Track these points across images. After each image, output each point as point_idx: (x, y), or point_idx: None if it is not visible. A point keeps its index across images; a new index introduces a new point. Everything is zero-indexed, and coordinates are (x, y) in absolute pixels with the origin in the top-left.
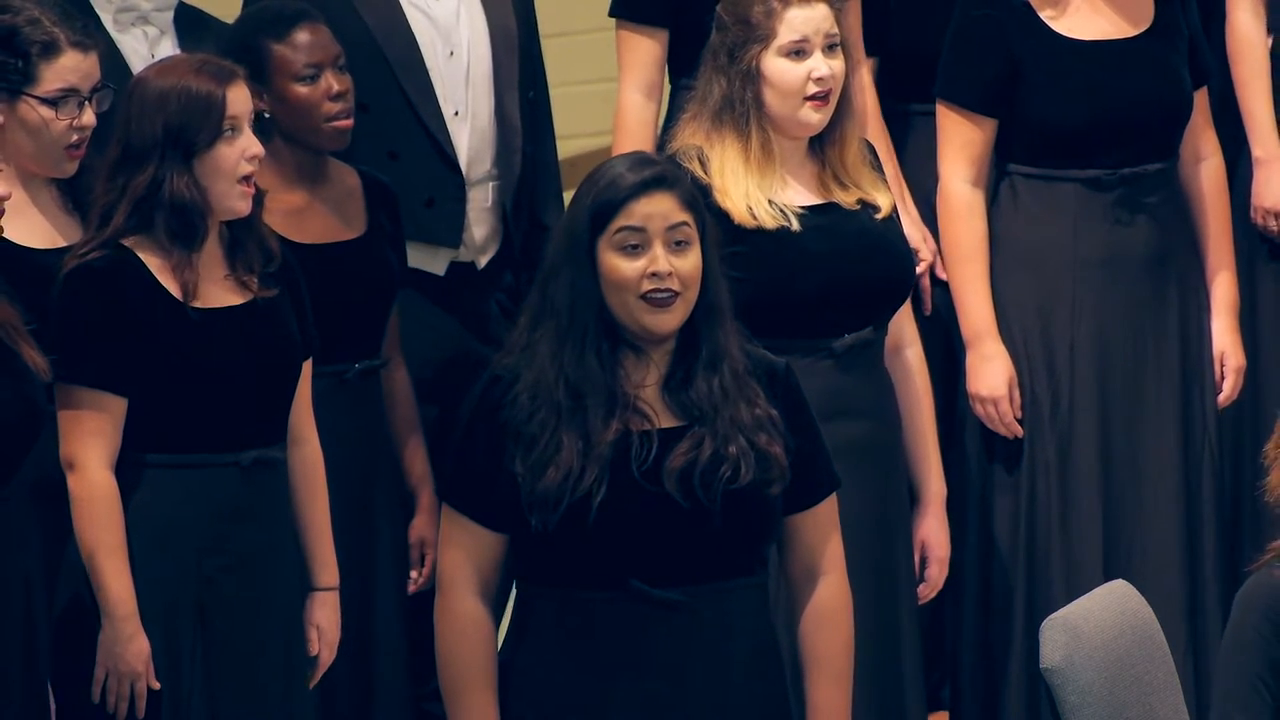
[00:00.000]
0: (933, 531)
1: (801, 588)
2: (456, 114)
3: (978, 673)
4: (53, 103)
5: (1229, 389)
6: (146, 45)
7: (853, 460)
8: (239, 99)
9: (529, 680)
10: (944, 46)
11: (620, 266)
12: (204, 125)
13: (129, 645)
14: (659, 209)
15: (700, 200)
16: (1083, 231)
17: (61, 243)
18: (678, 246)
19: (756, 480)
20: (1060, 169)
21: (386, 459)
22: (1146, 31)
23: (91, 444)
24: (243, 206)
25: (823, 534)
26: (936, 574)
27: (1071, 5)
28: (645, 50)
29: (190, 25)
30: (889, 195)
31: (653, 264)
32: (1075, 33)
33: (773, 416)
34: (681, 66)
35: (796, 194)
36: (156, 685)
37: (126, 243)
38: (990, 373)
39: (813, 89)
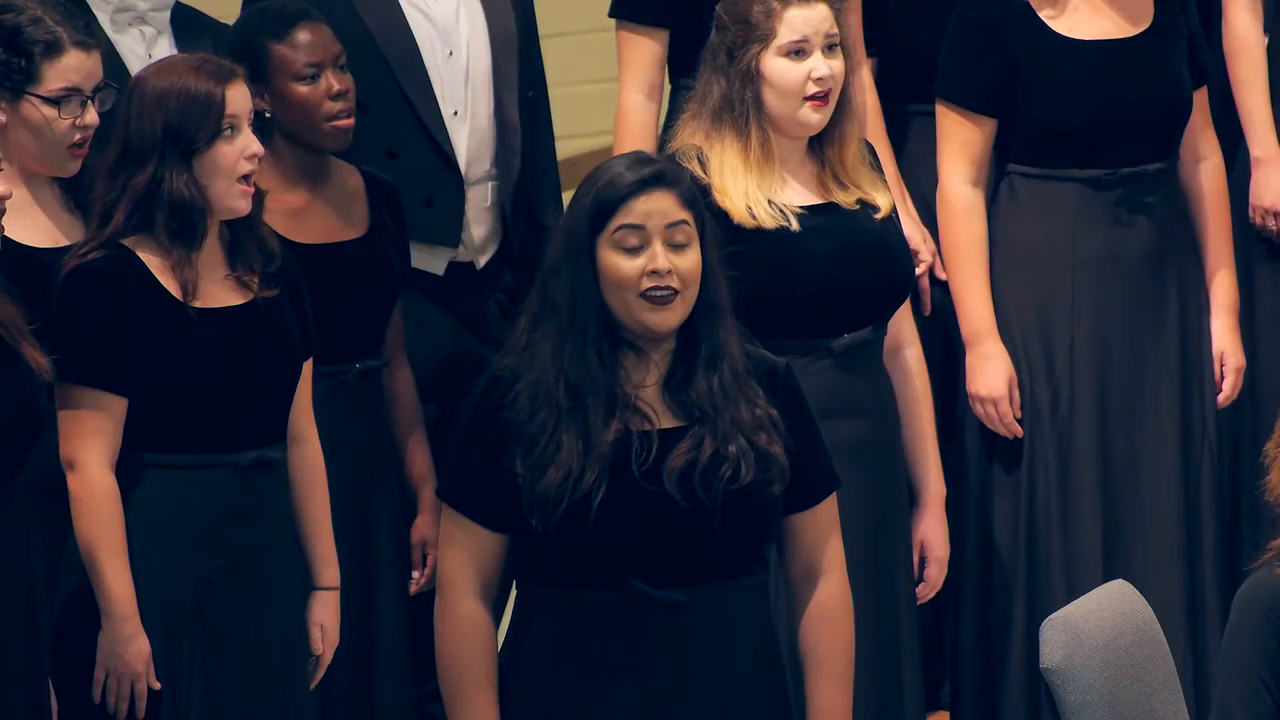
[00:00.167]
0: (932, 531)
1: (801, 588)
2: (455, 114)
3: (978, 673)
4: (55, 102)
5: (1229, 389)
6: (144, 45)
7: (852, 460)
8: (238, 98)
9: (529, 680)
10: (943, 46)
11: (620, 265)
12: (203, 124)
13: (129, 645)
14: (658, 207)
15: (700, 199)
16: (1082, 231)
17: (64, 242)
18: (677, 245)
19: (757, 480)
20: (1060, 169)
21: (387, 459)
22: (1146, 31)
23: (91, 444)
24: (242, 206)
25: (823, 534)
26: (935, 574)
27: (1071, 5)
28: (646, 50)
29: (187, 25)
30: (888, 195)
31: (652, 262)
32: (1075, 32)
33: (773, 416)
34: (681, 66)
35: (796, 194)
36: (157, 685)
37: (126, 242)
38: (990, 373)
39: (812, 89)
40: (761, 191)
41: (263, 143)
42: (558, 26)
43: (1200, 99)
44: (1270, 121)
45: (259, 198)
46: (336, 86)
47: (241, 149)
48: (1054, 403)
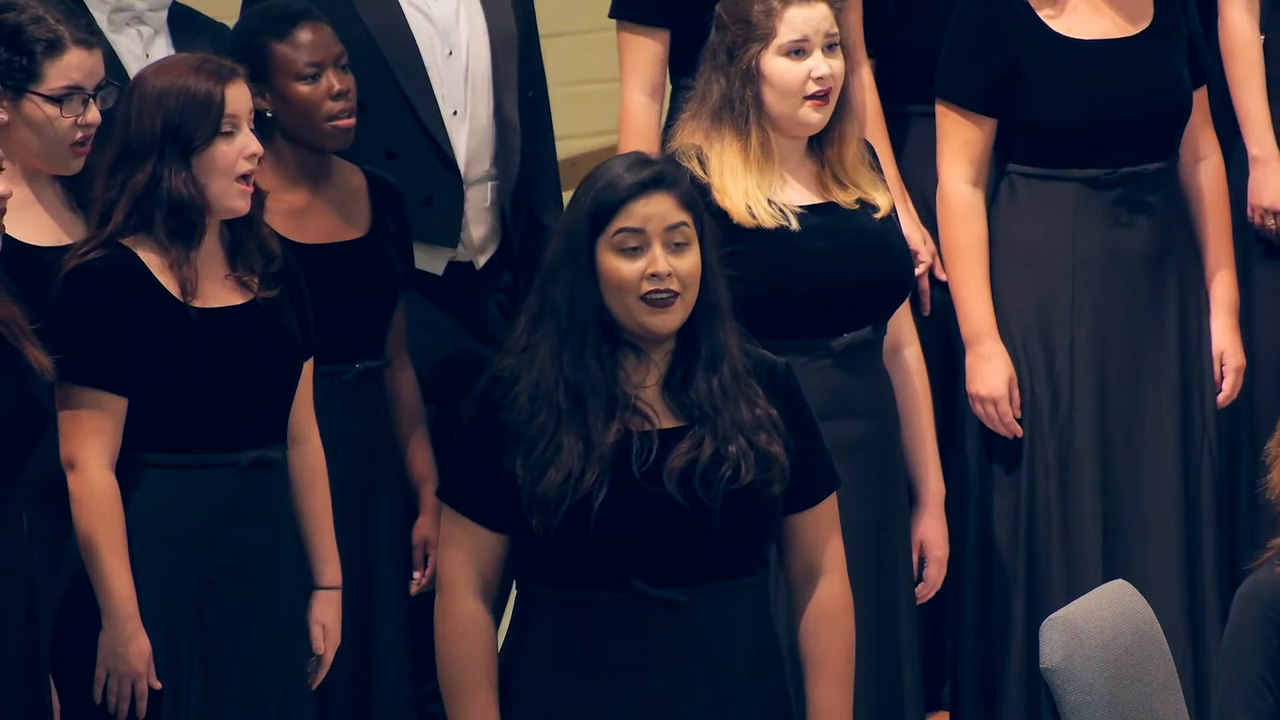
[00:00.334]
0: (931, 531)
1: (801, 588)
2: (455, 114)
3: (978, 673)
4: (57, 100)
5: (1229, 388)
6: (141, 45)
7: (851, 460)
8: (238, 97)
9: (529, 681)
10: (943, 46)
11: (620, 268)
12: (202, 123)
13: (129, 645)
14: (658, 210)
15: (698, 200)
16: (1082, 231)
17: (66, 240)
18: (677, 247)
19: (757, 480)
20: (1059, 168)
21: (387, 459)
22: (1146, 31)
23: (92, 444)
24: (241, 205)
25: (823, 534)
26: (935, 574)
27: (1070, 4)
28: (647, 51)
29: (184, 24)
30: (888, 195)
31: (652, 265)
32: (1074, 32)
33: (773, 416)
34: (681, 66)
35: (795, 193)
36: (158, 685)
37: (126, 242)
38: (990, 372)
39: (812, 88)
40: (761, 191)
41: (264, 142)
42: (558, 26)
43: (1200, 98)
44: (1268, 120)
45: (259, 198)
46: (338, 86)
47: (241, 148)
48: (1054, 403)
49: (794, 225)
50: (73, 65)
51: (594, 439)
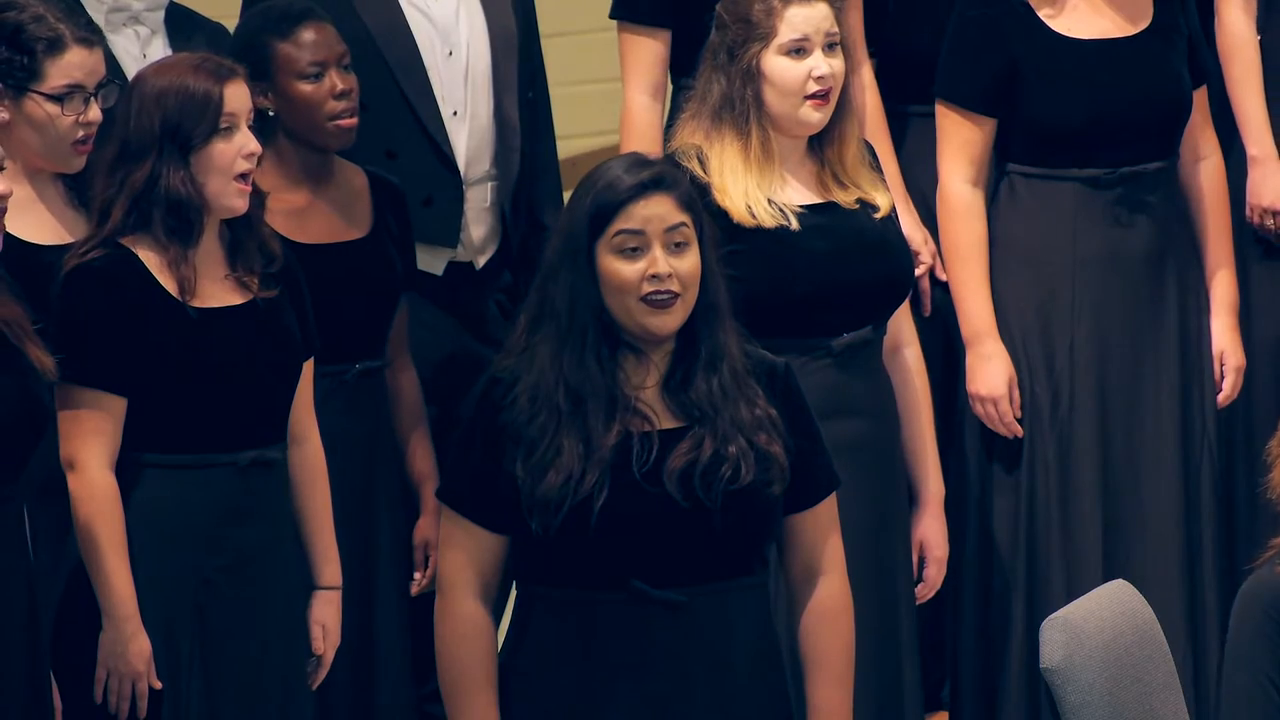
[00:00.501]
0: (931, 531)
1: (801, 588)
2: (455, 114)
3: (978, 673)
4: (58, 99)
5: (1229, 388)
6: (138, 45)
7: (851, 459)
8: (237, 97)
9: (529, 681)
10: (943, 46)
11: (620, 269)
12: (200, 121)
13: (130, 645)
14: (657, 211)
15: (697, 200)
16: (1082, 231)
17: (68, 239)
18: (676, 248)
19: (757, 480)
20: (1059, 168)
21: (387, 459)
22: (1145, 30)
23: (91, 444)
24: (239, 204)
25: (822, 534)
26: (935, 574)
27: (1070, 4)
28: (648, 51)
29: (181, 24)
30: (888, 195)
31: (652, 266)
32: (1074, 32)
33: (772, 416)
34: (682, 66)
35: (796, 193)
36: (158, 685)
37: (125, 241)
38: (990, 372)
39: (813, 88)
40: (761, 191)
41: (266, 142)
42: (558, 26)
43: (1200, 98)
44: (1266, 120)
45: (260, 198)
46: (340, 86)
47: (239, 147)
48: (1054, 402)
49: (794, 225)
50: (74, 64)
51: (594, 440)
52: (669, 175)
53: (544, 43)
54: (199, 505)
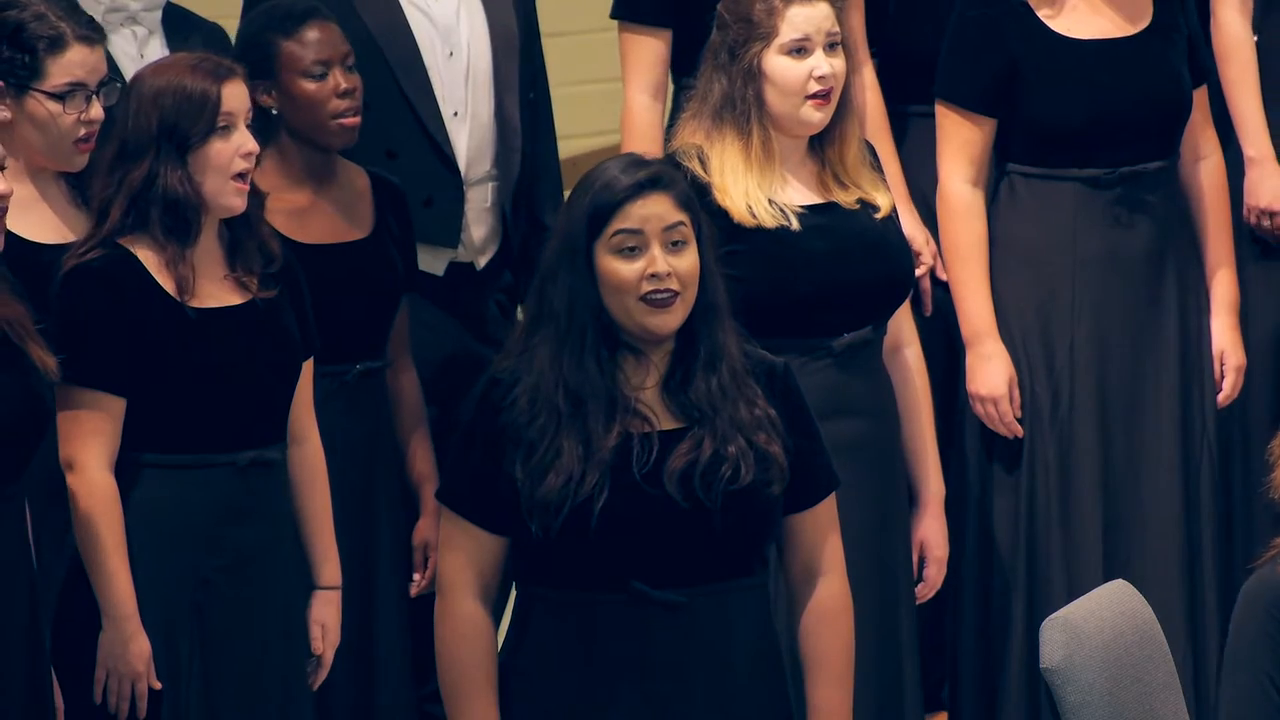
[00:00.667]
0: (931, 531)
1: (801, 588)
2: (456, 114)
3: (978, 673)
4: (60, 97)
5: (1229, 388)
6: (135, 45)
7: (851, 459)
8: (234, 96)
9: (529, 682)
10: (943, 46)
11: (619, 269)
12: (198, 121)
13: (129, 645)
14: (655, 210)
15: (695, 199)
16: (1082, 230)
17: (71, 238)
18: (675, 246)
19: (756, 480)
20: (1059, 168)
21: (387, 460)
22: (1145, 30)
23: (91, 444)
24: (237, 203)
25: (822, 534)
26: (935, 574)
27: (1070, 4)
28: (649, 50)
29: (178, 25)
30: (888, 195)
31: (651, 265)
32: (1073, 32)
33: (771, 416)
34: (683, 66)
35: (796, 193)
36: (158, 685)
37: (124, 242)
38: (990, 372)
39: (814, 87)
40: (762, 190)
41: (269, 141)
42: (559, 26)
43: (1200, 97)
44: (1263, 121)
45: (259, 199)
46: (344, 85)
47: (237, 147)
48: (1054, 402)
49: (794, 225)
50: (75, 62)
51: (594, 442)
52: (666, 174)
53: (545, 43)
54: (198, 505)
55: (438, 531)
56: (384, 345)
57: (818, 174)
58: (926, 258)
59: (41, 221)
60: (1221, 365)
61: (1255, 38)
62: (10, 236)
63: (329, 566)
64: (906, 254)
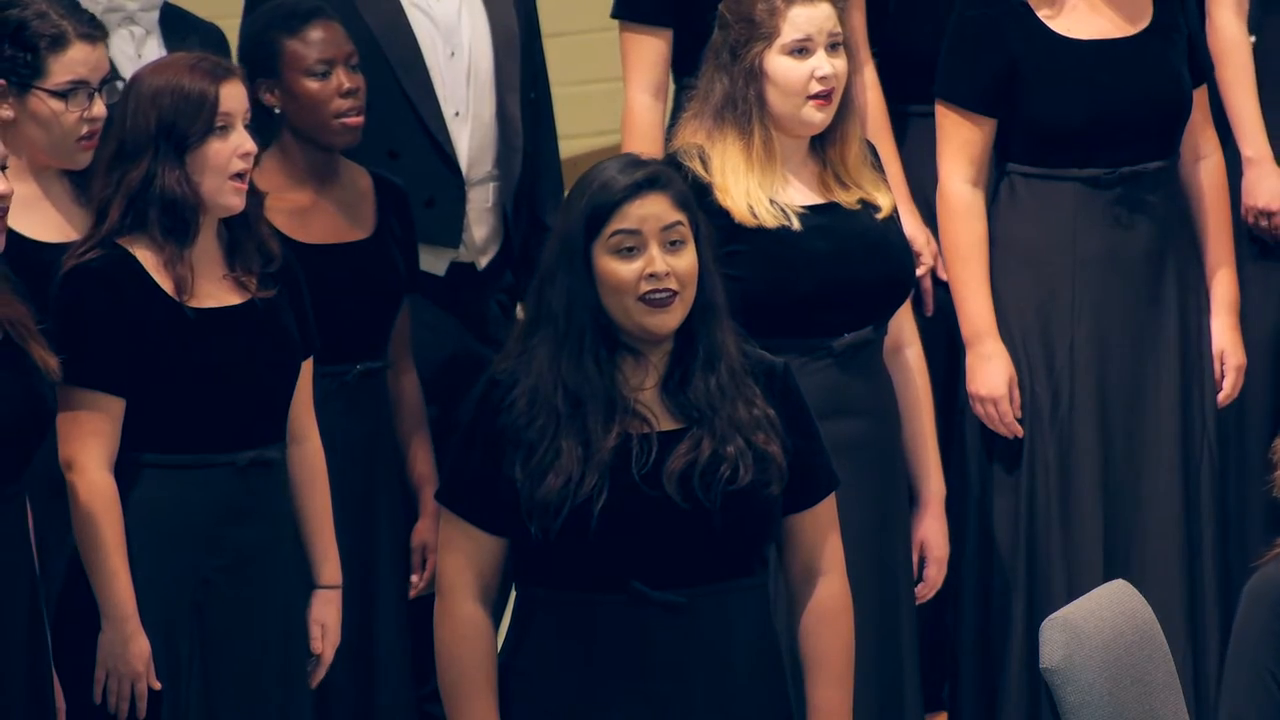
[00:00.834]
0: (932, 531)
1: (801, 588)
2: (457, 114)
3: (978, 673)
4: (62, 95)
5: (1229, 387)
6: (133, 45)
7: (852, 459)
8: (233, 96)
9: (529, 683)
10: (943, 46)
11: (617, 270)
12: (195, 121)
13: (129, 646)
14: (653, 210)
15: (692, 199)
16: (1082, 230)
17: (74, 237)
18: (673, 246)
19: (755, 480)
20: (1059, 168)
21: (387, 460)
22: (1145, 30)
23: (90, 444)
24: (235, 203)
25: (822, 534)
26: (935, 574)
27: (1069, 4)
28: (650, 50)
29: (175, 25)
30: (889, 195)
31: (650, 265)
32: (1073, 32)
33: (770, 416)
34: (685, 66)
35: (797, 193)
36: (157, 685)
37: (122, 242)
38: (990, 372)
39: (816, 88)
40: (763, 190)
41: (272, 140)
42: (560, 26)
43: (1200, 97)
44: (1260, 122)
45: (259, 198)
46: (347, 84)
47: (235, 147)
48: (1054, 402)
49: (796, 225)
50: (77, 60)
51: (593, 443)
52: (663, 174)
53: (546, 42)
54: (198, 505)
55: (437, 533)
56: (385, 346)
57: (819, 174)
58: (927, 258)
59: (45, 220)
60: (1222, 365)
61: (1253, 39)
62: (13, 235)
63: (329, 566)
64: (907, 254)
